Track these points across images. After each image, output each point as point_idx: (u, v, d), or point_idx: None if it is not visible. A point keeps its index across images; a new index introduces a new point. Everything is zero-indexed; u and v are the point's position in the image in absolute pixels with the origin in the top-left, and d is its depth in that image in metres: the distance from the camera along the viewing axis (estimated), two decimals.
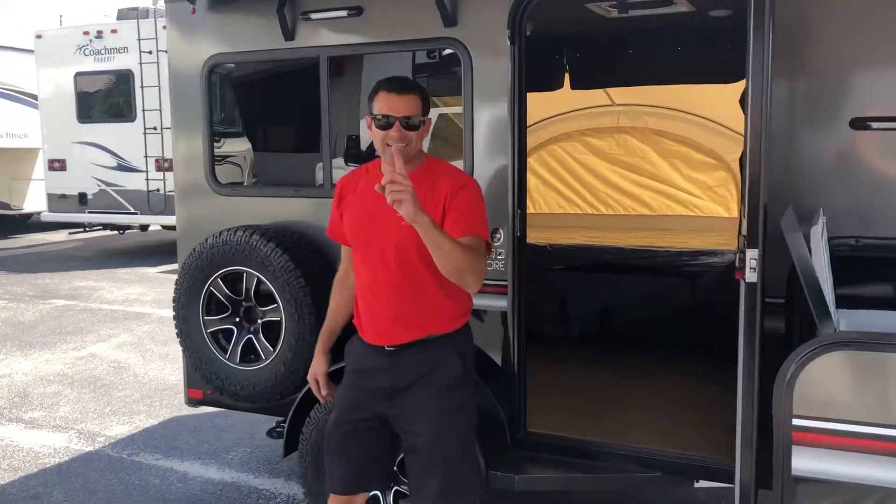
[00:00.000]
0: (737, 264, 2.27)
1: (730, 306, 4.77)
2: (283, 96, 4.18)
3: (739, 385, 2.73)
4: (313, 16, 3.71)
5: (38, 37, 13.01)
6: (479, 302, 3.55)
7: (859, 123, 2.83)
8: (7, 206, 15.35)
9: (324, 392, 2.95)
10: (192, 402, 4.29)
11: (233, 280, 3.83)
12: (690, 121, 6.44)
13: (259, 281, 3.74)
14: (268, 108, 4.26)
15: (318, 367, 2.95)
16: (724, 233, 6.34)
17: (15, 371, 6.74)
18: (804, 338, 2.27)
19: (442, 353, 2.65)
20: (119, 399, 5.99)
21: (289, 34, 3.77)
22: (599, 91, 6.28)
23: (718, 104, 6.27)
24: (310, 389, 3.60)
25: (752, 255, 2.14)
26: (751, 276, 2.16)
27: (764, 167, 2.14)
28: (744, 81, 4.79)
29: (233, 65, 4.03)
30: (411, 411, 2.65)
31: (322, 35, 3.74)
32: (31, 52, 13.09)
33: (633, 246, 5.52)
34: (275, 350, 3.71)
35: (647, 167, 6.70)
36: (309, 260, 3.72)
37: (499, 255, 3.45)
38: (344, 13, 3.64)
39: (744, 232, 2.24)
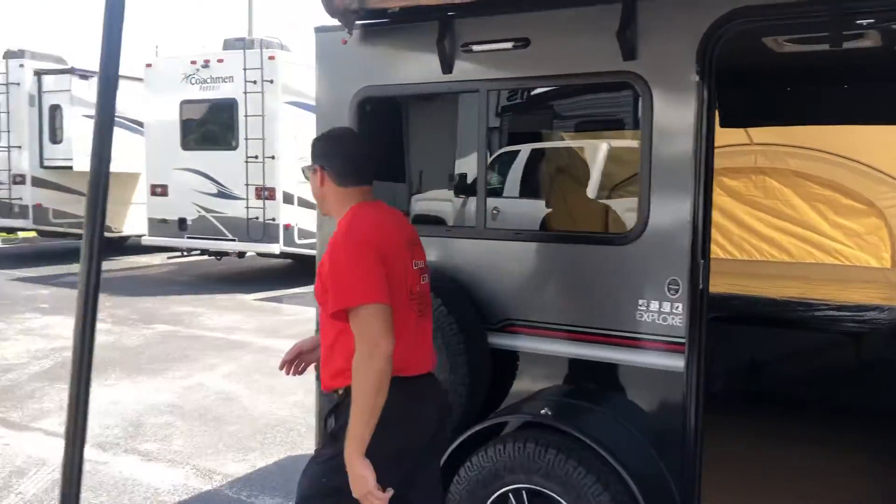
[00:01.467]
0: None
1: None
2: (436, 131, 3.98)
3: None
4: (475, 48, 3.49)
5: (148, 66, 13.32)
6: (648, 360, 3.26)
7: None
8: (108, 229, 15.72)
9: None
10: None
11: None
12: (836, 162, 5.98)
13: None
14: (418, 144, 4.07)
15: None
16: (872, 284, 5.84)
17: (125, 398, 6.69)
18: None
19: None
20: (230, 434, 5.84)
21: (447, 67, 3.57)
22: (738, 129, 5.89)
23: (868, 145, 5.81)
24: (459, 445, 3.40)
25: None
26: None
27: None
28: None
29: (383, 97, 3.85)
30: None
31: (483, 68, 3.53)
32: (132, 79, 13.35)
33: (787, 297, 5.08)
34: None
35: (788, 211, 6.25)
36: (461, 306, 3.47)
37: (675, 308, 3.14)
38: (509, 45, 3.42)
39: None
